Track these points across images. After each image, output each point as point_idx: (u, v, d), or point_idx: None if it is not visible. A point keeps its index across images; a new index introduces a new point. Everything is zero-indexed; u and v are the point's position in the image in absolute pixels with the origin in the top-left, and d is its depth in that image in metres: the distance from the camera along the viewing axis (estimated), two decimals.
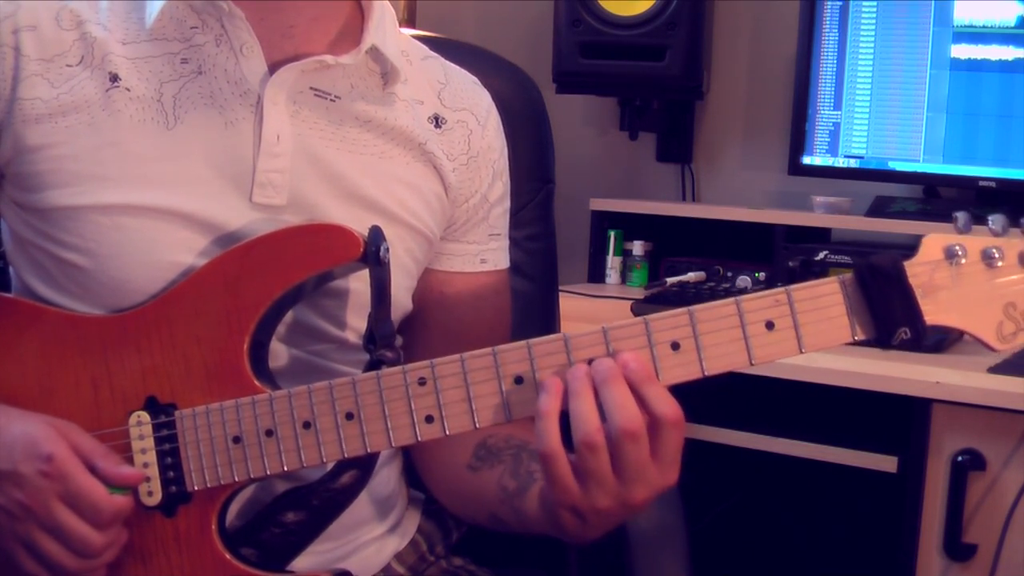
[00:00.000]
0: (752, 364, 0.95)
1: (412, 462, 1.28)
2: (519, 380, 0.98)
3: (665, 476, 0.97)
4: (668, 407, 0.95)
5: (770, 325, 0.95)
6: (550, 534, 1.06)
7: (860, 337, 0.95)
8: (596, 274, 2.58)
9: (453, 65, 1.26)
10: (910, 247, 0.97)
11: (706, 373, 0.96)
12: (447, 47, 1.31)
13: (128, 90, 1.08)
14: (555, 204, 1.57)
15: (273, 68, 1.11)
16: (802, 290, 0.95)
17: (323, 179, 1.12)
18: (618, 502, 0.97)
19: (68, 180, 1.07)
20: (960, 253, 0.94)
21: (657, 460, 0.96)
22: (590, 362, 0.97)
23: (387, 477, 1.24)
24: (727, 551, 2.39)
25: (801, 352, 0.95)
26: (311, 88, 1.12)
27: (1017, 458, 1.68)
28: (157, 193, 1.07)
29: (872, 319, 0.94)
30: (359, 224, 1.07)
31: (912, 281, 0.94)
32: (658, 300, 2.14)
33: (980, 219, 0.95)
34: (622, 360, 0.95)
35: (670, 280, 2.33)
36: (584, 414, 0.95)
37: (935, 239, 0.95)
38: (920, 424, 1.73)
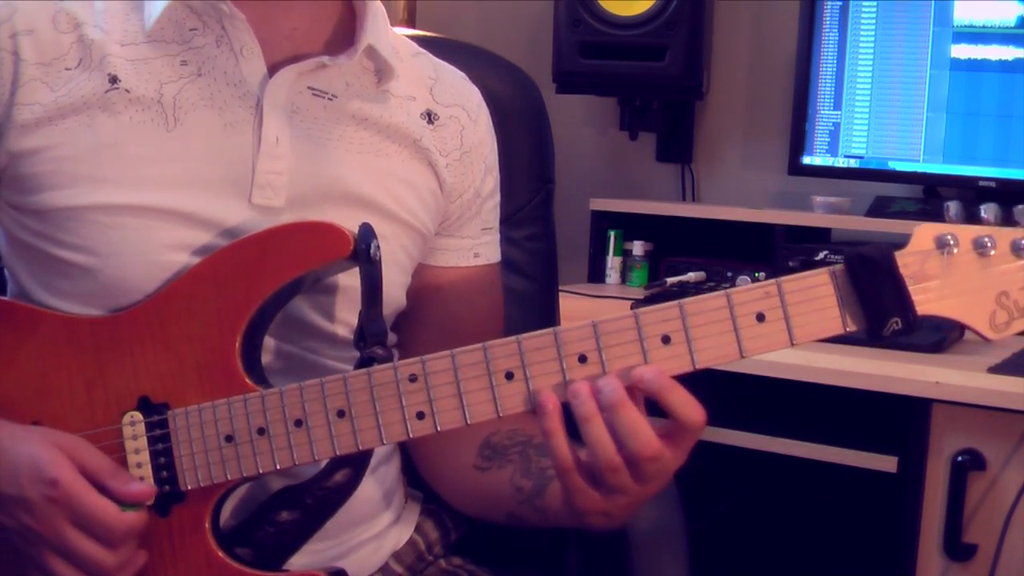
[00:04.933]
0: (743, 356, 0.95)
1: (414, 463, 1.27)
2: (509, 376, 0.98)
3: (681, 461, 0.99)
4: (693, 413, 0.96)
5: (760, 317, 0.94)
6: (575, 527, 1.07)
7: (851, 328, 0.94)
8: (596, 274, 2.57)
9: (442, 61, 1.26)
10: None
11: (697, 366, 0.96)
12: (447, 47, 1.31)
13: (128, 91, 1.08)
14: (555, 204, 1.57)
15: (272, 69, 1.11)
16: (792, 282, 0.94)
17: (322, 180, 1.12)
18: (641, 498, 1.00)
19: (66, 182, 1.07)
20: (952, 242, 0.93)
21: (678, 456, 0.98)
22: (583, 359, 0.97)
23: (385, 475, 1.23)
24: (727, 551, 2.38)
25: (792, 344, 0.95)
26: (309, 88, 1.12)
27: (1017, 458, 1.68)
28: (157, 194, 1.07)
29: (863, 310, 0.93)
30: (357, 224, 1.07)
31: (903, 271, 0.93)
32: (658, 300, 2.12)
33: (976, 218, 0.94)
34: (637, 375, 0.95)
35: (670, 280, 2.33)
36: (598, 439, 0.96)
37: (926, 229, 0.94)
38: (920, 424, 1.73)
